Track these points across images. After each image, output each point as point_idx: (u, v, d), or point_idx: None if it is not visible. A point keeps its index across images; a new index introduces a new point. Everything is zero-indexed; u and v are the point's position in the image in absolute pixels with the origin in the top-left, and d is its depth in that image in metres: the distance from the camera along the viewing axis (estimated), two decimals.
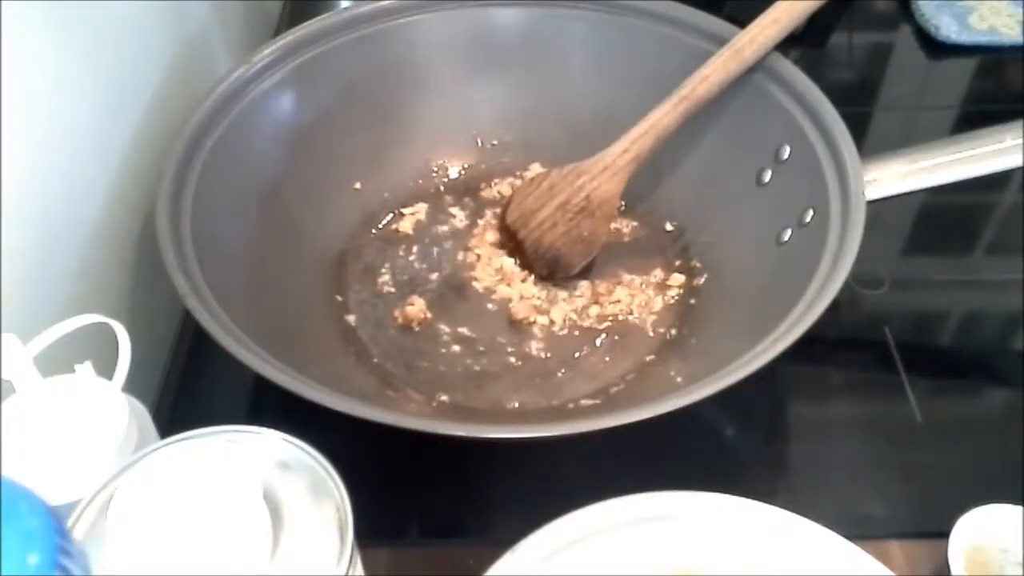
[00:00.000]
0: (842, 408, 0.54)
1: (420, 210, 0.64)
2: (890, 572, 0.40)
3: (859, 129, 0.61)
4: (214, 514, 0.29)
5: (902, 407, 0.53)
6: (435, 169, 0.66)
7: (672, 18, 0.61)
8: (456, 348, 0.56)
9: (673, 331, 0.56)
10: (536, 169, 0.65)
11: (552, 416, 0.52)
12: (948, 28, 0.78)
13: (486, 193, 0.65)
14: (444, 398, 0.53)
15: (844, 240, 0.48)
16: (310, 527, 0.31)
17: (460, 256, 0.61)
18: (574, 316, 0.57)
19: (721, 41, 0.57)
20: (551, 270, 0.59)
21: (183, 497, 0.29)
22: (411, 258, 0.61)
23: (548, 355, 0.56)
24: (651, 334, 0.56)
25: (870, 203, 0.50)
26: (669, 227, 0.62)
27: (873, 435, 0.52)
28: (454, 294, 0.59)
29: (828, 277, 0.46)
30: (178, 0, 0.63)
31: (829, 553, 0.40)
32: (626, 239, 0.62)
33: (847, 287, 0.47)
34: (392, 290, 0.59)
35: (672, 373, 0.53)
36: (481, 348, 0.56)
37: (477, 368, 0.55)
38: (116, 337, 0.39)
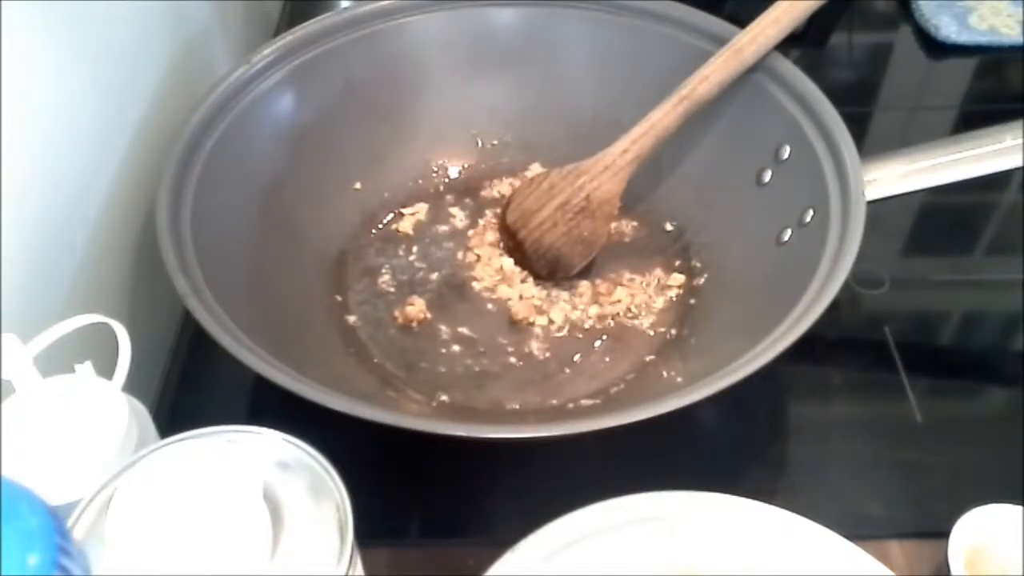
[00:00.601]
0: (842, 408, 0.54)
1: (420, 210, 0.64)
2: (890, 572, 0.40)
3: (859, 129, 0.61)
4: (214, 514, 0.29)
5: (902, 407, 0.53)
6: (435, 169, 0.66)
7: (672, 18, 0.61)
8: (456, 348, 0.56)
9: (673, 331, 0.56)
10: (536, 169, 0.65)
11: (552, 416, 0.52)
12: (948, 28, 0.78)
13: (486, 193, 0.65)
14: (444, 398, 0.53)
15: (844, 240, 0.48)
16: (310, 527, 0.31)
17: (460, 256, 0.61)
18: (574, 316, 0.57)
19: (721, 41, 0.57)
20: (551, 270, 0.59)
21: (183, 497, 0.29)
22: (411, 258, 0.61)
23: (548, 355, 0.56)
24: (651, 334, 0.56)
25: (870, 203, 0.50)
26: (669, 227, 0.62)
27: (873, 435, 0.52)
28: (454, 294, 0.59)
29: (828, 277, 0.46)
30: (178, 0, 0.63)
31: (829, 553, 0.40)
32: (626, 239, 0.62)
33: (847, 287, 0.47)
34: (392, 290, 0.59)
35: (672, 373, 0.53)
36: (481, 348, 0.56)
37: (477, 368, 0.55)
38: (116, 337, 0.39)
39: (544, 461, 0.49)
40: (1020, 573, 0.43)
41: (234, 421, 0.34)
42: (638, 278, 0.59)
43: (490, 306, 0.58)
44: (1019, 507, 0.43)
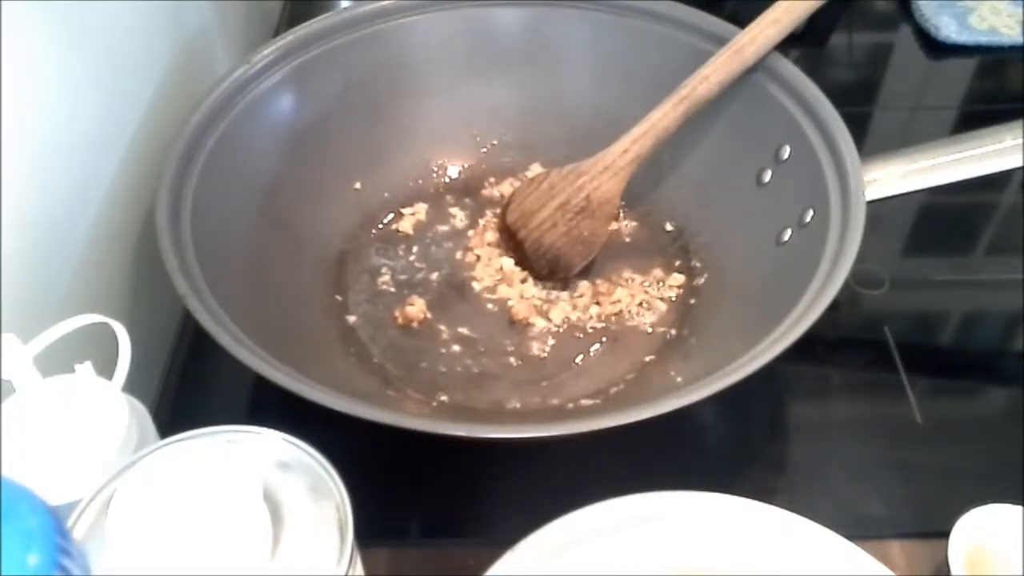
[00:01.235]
0: (842, 408, 0.54)
1: (420, 210, 0.64)
2: (890, 572, 0.40)
3: (859, 129, 0.61)
4: (214, 514, 0.29)
5: (902, 407, 0.53)
6: (435, 169, 0.66)
7: (672, 18, 0.61)
8: (456, 348, 0.56)
9: (673, 331, 0.56)
10: (536, 169, 0.65)
11: (552, 416, 0.52)
12: (948, 28, 0.78)
13: (486, 193, 0.65)
14: (444, 398, 0.53)
15: (844, 240, 0.48)
16: (310, 527, 0.31)
17: (460, 256, 0.61)
18: (574, 316, 0.57)
19: (721, 41, 0.57)
20: (551, 270, 0.59)
21: (183, 497, 0.29)
22: (411, 258, 0.61)
23: (548, 355, 0.56)
24: (651, 334, 0.56)
25: (870, 203, 0.50)
26: (669, 227, 0.62)
27: (873, 435, 0.52)
28: (454, 294, 0.59)
29: (828, 277, 0.46)
30: (178, 0, 0.63)
31: (829, 553, 0.40)
32: (626, 239, 0.62)
33: (847, 287, 0.47)
34: (392, 290, 0.59)
35: (672, 373, 0.53)
36: (481, 348, 0.56)
37: (477, 368, 0.55)
38: (116, 337, 0.39)
39: (544, 461, 0.49)
40: (1020, 573, 0.43)
41: (234, 421, 0.34)
42: (638, 278, 0.59)
43: (490, 306, 0.58)
44: (1019, 507, 0.43)
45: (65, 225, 0.48)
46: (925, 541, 0.46)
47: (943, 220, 0.66)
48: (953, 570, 0.42)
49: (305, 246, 0.58)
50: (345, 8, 0.61)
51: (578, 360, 0.55)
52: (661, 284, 0.59)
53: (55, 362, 0.38)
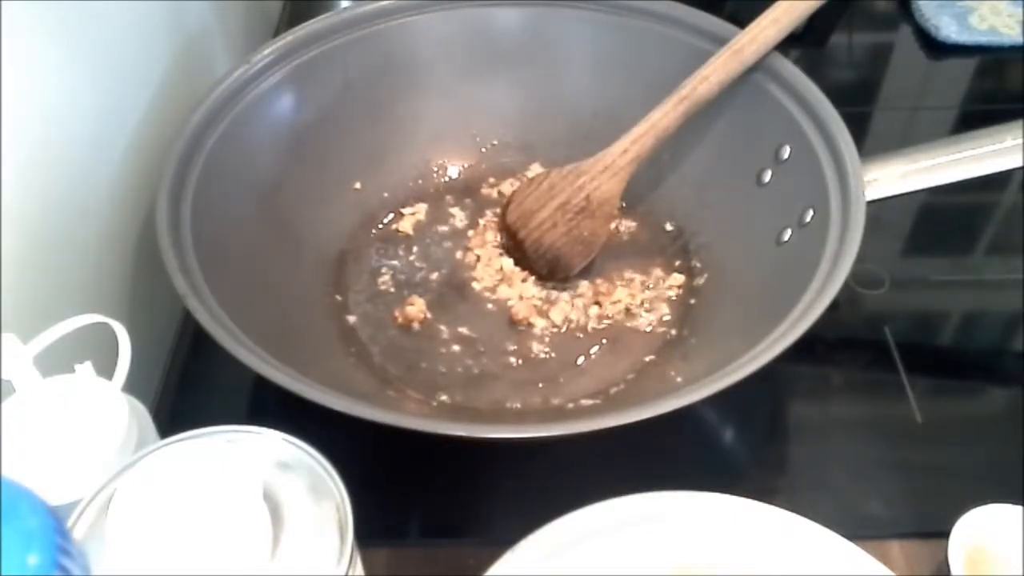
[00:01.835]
0: (842, 408, 0.54)
1: (420, 210, 0.64)
2: (890, 572, 0.40)
3: (859, 129, 0.61)
4: (214, 514, 0.29)
5: (902, 407, 0.53)
6: (435, 169, 0.66)
7: (672, 18, 0.61)
8: (456, 348, 0.56)
9: (673, 331, 0.56)
10: (536, 169, 0.65)
11: (552, 416, 0.52)
12: (948, 28, 0.78)
13: (486, 193, 0.65)
14: (444, 398, 0.53)
15: (844, 240, 0.48)
16: (310, 527, 0.31)
17: (460, 256, 0.61)
18: (574, 316, 0.57)
19: (721, 41, 0.57)
20: (551, 270, 0.59)
21: (183, 497, 0.29)
22: (411, 258, 0.61)
23: (548, 355, 0.56)
24: (651, 334, 0.56)
25: (870, 203, 0.50)
26: (669, 227, 0.62)
27: (873, 435, 0.52)
28: (454, 294, 0.59)
29: (828, 277, 0.46)
30: (178, 0, 0.63)
31: (829, 553, 0.40)
32: (626, 239, 0.62)
33: (847, 287, 0.47)
34: (392, 290, 0.59)
35: (672, 373, 0.53)
36: (481, 348, 0.56)
37: (477, 368, 0.55)
38: (116, 337, 0.39)
39: (544, 461, 0.49)
40: (1020, 573, 0.43)
41: (234, 421, 0.34)
42: (638, 278, 0.59)
43: (490, 306, 0.58)
44: (1019, 507, 0.43)
45: (65, 225, 0.48)
46: (925, 541, 0.46)
47: (943, 220, 0.66)
48: (953, 570, 0.42)
49: (305, 246, 0.58)
50: (345, 8, 0.61)
51: (578, 360, 0.55)
52: (661, 284, 0.59)
53: (55, 362, 0.38)
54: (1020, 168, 0.51)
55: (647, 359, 0.55)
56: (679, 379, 0.52)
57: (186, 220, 0.49)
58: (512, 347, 0.56)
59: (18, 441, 0.36)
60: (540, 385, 0.54)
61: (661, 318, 0.57)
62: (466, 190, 0.65)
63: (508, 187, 0.65)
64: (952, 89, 0.77)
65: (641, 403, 0.42)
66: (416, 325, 0.57)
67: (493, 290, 0.59)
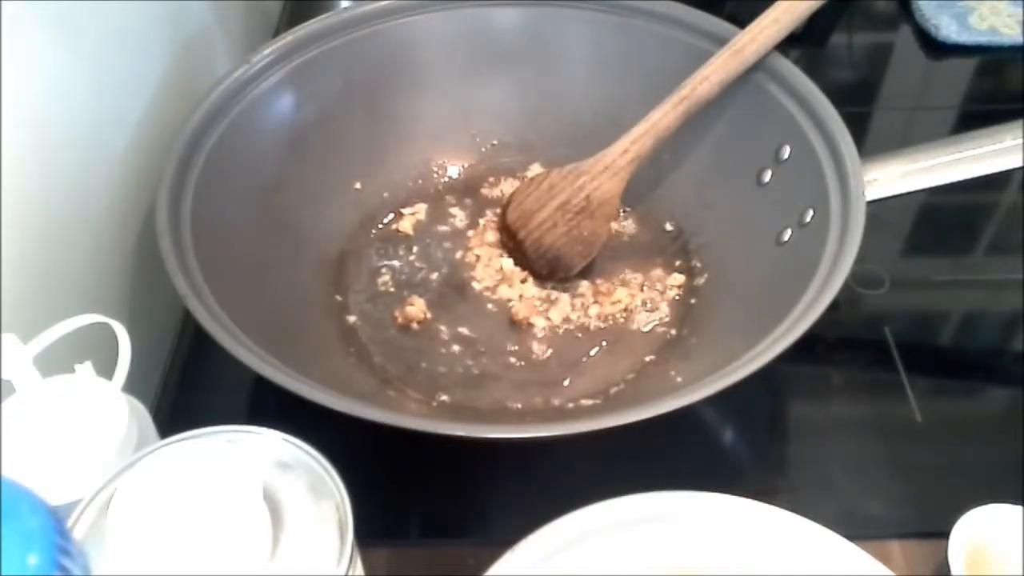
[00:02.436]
0: (842, 408, 0.54)
1: (420, 210, 0.64)
2: (890, 572, 0.40)
3: (859, 129, 0.61)
4: (214, 514, 0.29)
5: (902, 407, 0.53)
6: (435, 169, 0.66)
7: (672, 18, 0.61)
8: (456, 348, 0.56)
9: (673, 331, 0.56)
10: (536, 169, 0.65)
11: (552, 416, 0.52)
12: (948, 28, 0.78)
13: (486, 193, 0.65)
14: (444, 398, 0.53)
15: (844, 240, 0.48)
16: (310, 527, 0.31)
17: (460, 256, 0.61)
18: (574, 316, 0.57)
19: (721, 41, 0.57)
20: (551, 270, 0.59)
21: (183, 497, 0.29)
22: (411, 258, 0.61)
23: (548, 355, 0.56)
24: (651, 334, 0.56)
25: (870, 203, 0.50)
26: (669, 227, 0.62)
27: (873, 435, 0.52)
28: (454, 294, 0.59)
29: (828, 277, 0.46)
30: (178, 0, 0.63)
31: (829, 553, 0.40)
32: (626, 239, 0.62)
33: (847, 287, 0.47)
34: (392, 290, 0.59)
35: (672, 373, 0.53)
36: (481, 348, 0.56)
37: (477, 369, 0.55)
38: (116, 337, 0.39)
39: (544, 461, 0.49)
40: (1020, 573, 0.43)
41: (234, 421, 0.34)
42: (638, 278, 0.59)
43: (490, 306, 0.58)
44: (1019, 507, 0.43)
45: (65, 225, 0.48)
46: (925, 541, 0.46)
47: (943, 220, 0.66)
48: (953, 570, 0.42)
49: (305, 246, 0.58)
50: (345, 8, 0.61)
51: (578, 360, 0.55)
52: (661, 284, 0.59)
53: (55, 362, 0.38)
54: (1020, 168, 0.51)
55: (647, 359, 0.55)
56: (679, 379, 0.52)
57: (186, 220, 0.49)
58: (512, 347, 0.56)
59: (18, 441, 0.36)
60: (540, 385, 0.54)
61: (661, 318, 0.57)
62: (466, 190, 0.65)
63: (508, 187, 0.65)
64: (952, 89, 0.77)
65: (641, 403, 0.42)
66: (416, 325, 0.57)
67: (493, 290, 0.59)
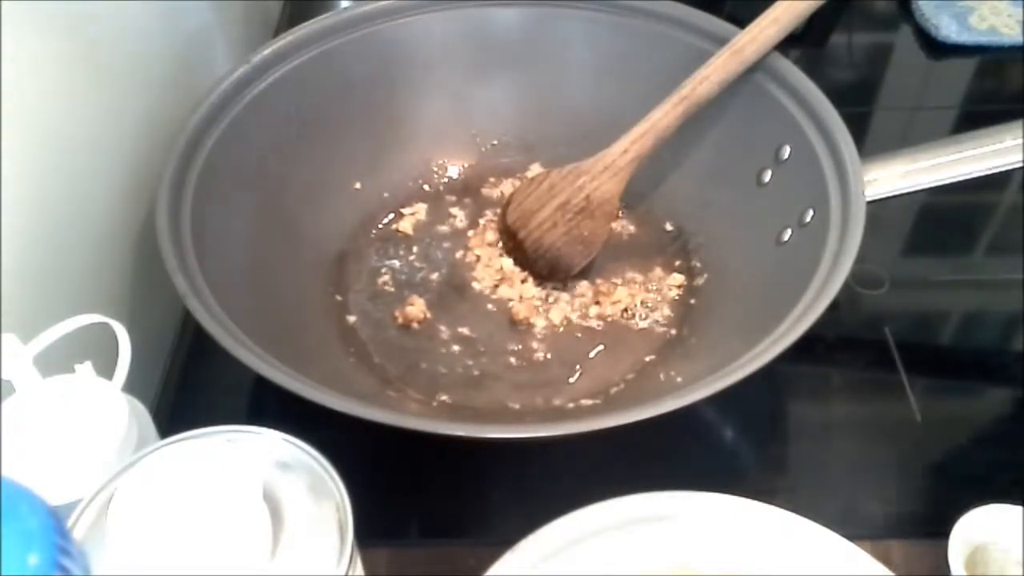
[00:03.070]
0: (842, 408, 0.54)
1: (420, 210, 0.64)
2: (890, 572, 0.40)
3: (859, 129, 0.61)
4: (214, 514, 0.29)
5: (902, 407, 0.53)
6: (435, 169, 0.66)
7: (672, 18, 0.61)
8: (456, 348, 0.56)
9: (673, 331, 0.56)
10: (536, 169, 0.65)
11: (552, 416, 0.52)
12: (948, 28, 0.78)
13: (486, 193, 0.65)
14: (444, 398, 0.53)
15: (844, 240, 0.48)
16: (310, 527, 0.31)
17: (460, 256, 0.61)
18: (574, 316, 0.57)
19: (721, 41, 0.57)
20: (551, 270, 0.59)
21: (183, 497, 0.29)
22: (411, 258, 0.61)
23: (548, 355, 0.56)
24: (651, 334, 0.56)
25: (870, 203, 0.50)
26: (669, 227, 0.62)
27: (873, 435, 0.52)
28: (454, 294, 0.59)
29: (828, 277, 0.46)
30: (178, 0, 0.63)
31: (829, 553, 0.40)
32: (626, 239, 0.62)
33: (847, 287, 0.47)
34: (392, 290, 0.59)
35: (672, 373, 0.53)
36: (481, 348, 0.56)
37: (477, 368, 0.55)
38: (116, 337, 0.39)
39: (544, 461, 0.49)
40: (1020, 573, 0.43)
41: (234, 421, 0.34)
42: (638, 278, 0.59)
43: (490, 306, 0.58)
44: (1019, 507, 0.43)
45: (65, 225, 0.48)
46: (925, 541, 0.46)
47: (943, 220, 0.66)
48: (953, 570, 0.42)
49: (305, 246, 0.58)
50: (345, 8, 0.61)
51: (578, 360, 0.55)
52: (661, 284, 0.59)
53: (55, 362, 0.38)
54: (1020, 168, 0.51)
55: (647, 359, 0.55)
56: (679, 379, 0.52)
57: (186, 220, 0.49)
58: (512, 347, 0.56)
59: (18, 441, 0.36)
60: (540, 385, 0.54)
61: (661, 318, 0.57)
62: (466, 190, 0.65)
63: (508, 187, 0.65)
64: (952, 89, 0.77)
65: (641, 403, 0.42)
66: (416, 325, 0.57)
67: (493, 290, 0.59)
